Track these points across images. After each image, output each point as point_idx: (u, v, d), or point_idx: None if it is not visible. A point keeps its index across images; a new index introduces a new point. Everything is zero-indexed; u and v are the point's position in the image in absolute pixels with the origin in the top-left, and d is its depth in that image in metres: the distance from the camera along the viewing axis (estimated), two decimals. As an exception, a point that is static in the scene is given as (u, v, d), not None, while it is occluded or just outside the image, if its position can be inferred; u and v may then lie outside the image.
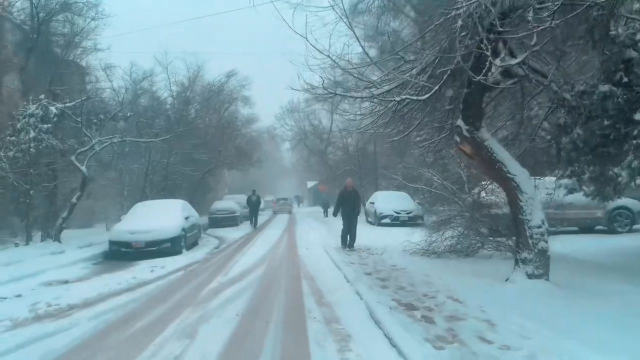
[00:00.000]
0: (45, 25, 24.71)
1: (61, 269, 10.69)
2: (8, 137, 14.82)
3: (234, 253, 13.54)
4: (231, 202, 27.91)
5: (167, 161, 23.69)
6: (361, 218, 25.34)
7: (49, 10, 24.36)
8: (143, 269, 10.67)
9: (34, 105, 15.47)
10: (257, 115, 41.45)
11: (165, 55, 26.40)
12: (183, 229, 13.87)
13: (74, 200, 14.92)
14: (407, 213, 19.98)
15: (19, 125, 15.35)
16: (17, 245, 13.53)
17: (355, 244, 13.10)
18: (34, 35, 24.34)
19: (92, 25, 25.45)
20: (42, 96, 16.39)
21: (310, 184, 64.06)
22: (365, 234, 16.54)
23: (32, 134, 14.95)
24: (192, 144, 24.77)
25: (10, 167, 13.90)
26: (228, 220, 25.34)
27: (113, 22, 27.56)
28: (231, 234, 20.34)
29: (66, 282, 9.30)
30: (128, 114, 18.99)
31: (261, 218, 28.35)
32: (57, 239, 14.61)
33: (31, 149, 14.54)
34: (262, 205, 27.85)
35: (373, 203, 21.47)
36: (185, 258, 12.37)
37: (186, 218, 14.65)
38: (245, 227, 24.31)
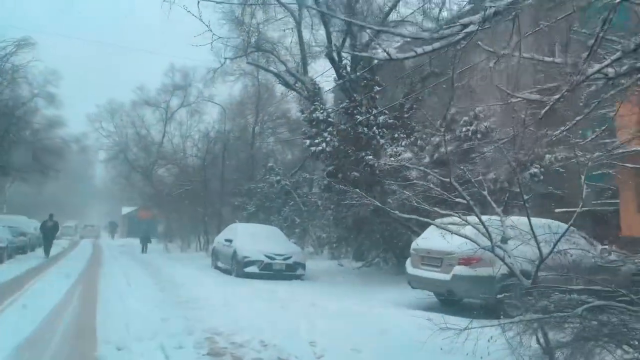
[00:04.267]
0: None
1: None
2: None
3: None
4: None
5: None
6: (206, 261, 17.50)
7: None
8: None
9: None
10: (64, 118, 32.15)
11: None
12: None
13: None
14: (285, 258, 13.27)
15: None
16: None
17: (215, 328, 5.82)
18: None
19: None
20: None
21: (126, 209, 52.65)
22: (227, 294, 9.38)
23: None
24: None
25: None
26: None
27: None
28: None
29: None
30: None
31: (62, 246, 25.81)
32: None
33: None
34: (58, 233, 22.69)
35: (230, 241, 14.24)
36: None
37: None
38: (9, 268, 14.60)
